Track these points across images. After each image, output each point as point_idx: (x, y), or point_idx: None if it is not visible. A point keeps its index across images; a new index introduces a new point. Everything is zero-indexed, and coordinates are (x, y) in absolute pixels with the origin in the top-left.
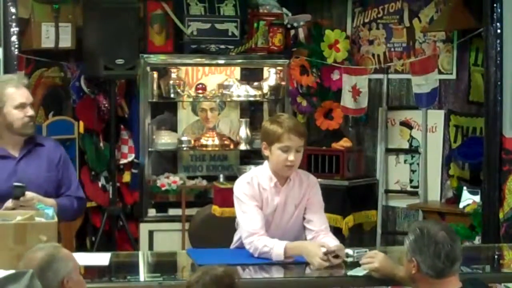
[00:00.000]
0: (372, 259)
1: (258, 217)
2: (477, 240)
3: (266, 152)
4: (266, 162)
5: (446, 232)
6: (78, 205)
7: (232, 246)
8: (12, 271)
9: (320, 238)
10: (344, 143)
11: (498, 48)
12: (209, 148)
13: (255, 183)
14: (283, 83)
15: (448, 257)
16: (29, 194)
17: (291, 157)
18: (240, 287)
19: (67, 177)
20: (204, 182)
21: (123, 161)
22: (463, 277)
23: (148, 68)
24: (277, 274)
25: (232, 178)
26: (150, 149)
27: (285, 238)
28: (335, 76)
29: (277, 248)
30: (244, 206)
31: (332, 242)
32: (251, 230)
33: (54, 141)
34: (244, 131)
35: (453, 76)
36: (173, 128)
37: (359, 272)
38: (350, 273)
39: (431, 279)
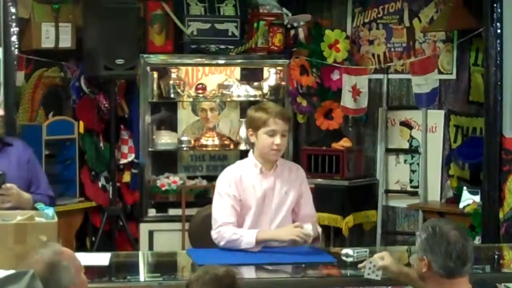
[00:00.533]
0: (381, 257)
1: (231, 211)
2: (477, 240)
3: (252, 139)
4: (250, 153)
5: (459, 231)
6: (50, 203)
7: None
8: (12, 271)
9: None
10: (344, 143)
11: (498, 48)
12: (209, 148)
13: (237, 172)
14: (283, 83)
15: (459, 258)
16: (8, 183)
17: (277, 140)
18: (240, 287)
19: (36, 176)
20: (204, 182)
21: (123, 161)
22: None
23: (148, 68)
24: (277, 274)
25: None
26: (150, 149)
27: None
28: (335, 76)
29: (247, 236)
30: (219, 197)
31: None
32: (220, 222)
33: (22, 141)
34: (244, 131)
35: (453, 76)
36: (173, 128)
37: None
38: (367, 276)
39: (441, 279)
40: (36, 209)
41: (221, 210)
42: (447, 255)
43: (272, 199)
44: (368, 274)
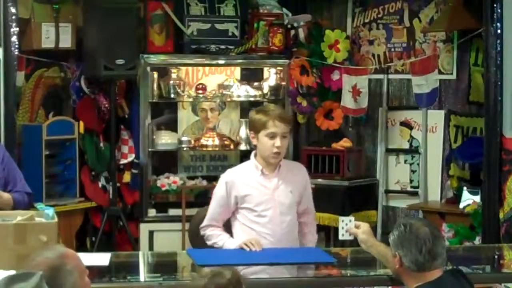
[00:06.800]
0: (357, 229)
1: (217, 213)
2: (477, 240)
3: (254, 141)
4: (252, 155)
5: (429, 228)
6: (29, 200)
7: None
8: (12, 271)
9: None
10: (344, 143)
11: (498, 48)
12: (209, 148)
13: (235, 175)
14: (283, 83)
15: (429, 252)
16: None
17: (277, 143)
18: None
19: (12, 175)
20: (204, 182)
21: (123, 161)
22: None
23: (148, 68)
24: (277, 274)
25: None
26: (150, 149)
27: (286, 237)
28: (335, 76)
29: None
30: (213, 198)
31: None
32: (205, 223)
33: None
34: (244, 131)
35: (453, 76)
36: (173, 128)
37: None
38: (341, 238)
39: (413, 273)
40: (15, 208)
41: (209, 212)
42: (417, 249)
43: (278, 199)
44: (342, 235)
